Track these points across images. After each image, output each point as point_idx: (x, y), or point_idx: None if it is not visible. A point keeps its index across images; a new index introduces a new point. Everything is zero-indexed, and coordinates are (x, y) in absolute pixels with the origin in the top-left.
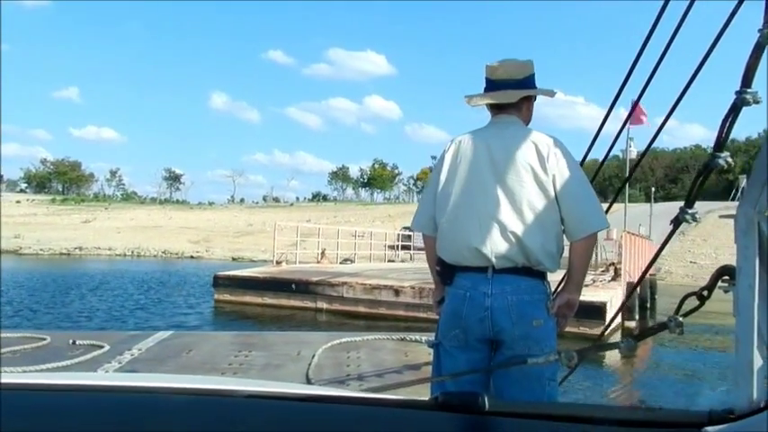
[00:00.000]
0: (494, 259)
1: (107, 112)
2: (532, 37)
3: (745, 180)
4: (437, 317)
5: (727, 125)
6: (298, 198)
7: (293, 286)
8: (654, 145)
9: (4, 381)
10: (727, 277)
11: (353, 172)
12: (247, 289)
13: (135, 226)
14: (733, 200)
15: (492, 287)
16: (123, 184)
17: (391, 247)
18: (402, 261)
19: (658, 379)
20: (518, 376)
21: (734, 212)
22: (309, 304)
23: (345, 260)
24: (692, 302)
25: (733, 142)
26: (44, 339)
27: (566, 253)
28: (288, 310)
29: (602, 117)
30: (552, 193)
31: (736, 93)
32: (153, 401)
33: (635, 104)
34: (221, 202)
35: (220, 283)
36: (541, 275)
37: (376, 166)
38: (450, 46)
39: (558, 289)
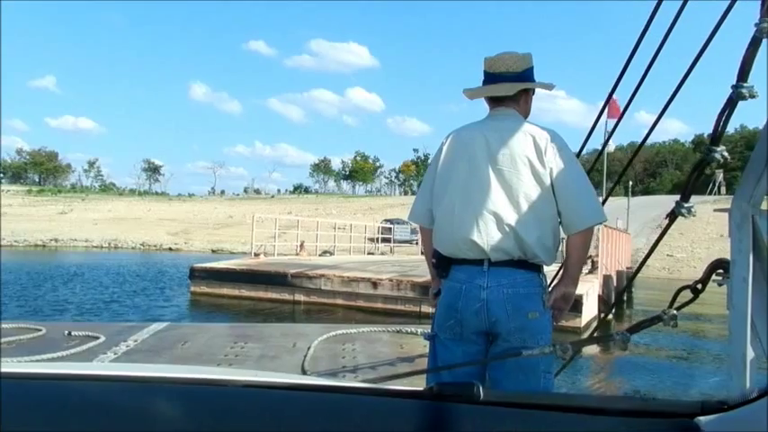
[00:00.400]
0: (490, 252)
1: (85, 101)
2: (515, 31)
3: (721, 175)
4: (433, 309)
5: (723, 119)
6: (279, 190)
7: (277, 278)
8: (632, 139)
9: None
10: (721, 270)
11: (335, 164)
12: (224, 281)
13: (113, 217)
14: (710, 194)
15: (488, 280)
16: (101, 176)
17: (371, 240)
18: (382, 254)
19: (652, 369)
20: (513, 369)
21: (722, 206)
22: (287, 297)
23: (324, 252)
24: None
25: (709, 137)
26: (39, 330)
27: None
28: (265, 303)
29: (587, 111)
30: (549, 187)
31: (733, 87)
32: (149, 391)
33: (627, 104)
34: (202, 193)
35: (197, 275)
36: (537, 268)
37: (358, 158)
38: (434, 39)
39: (554, 282)
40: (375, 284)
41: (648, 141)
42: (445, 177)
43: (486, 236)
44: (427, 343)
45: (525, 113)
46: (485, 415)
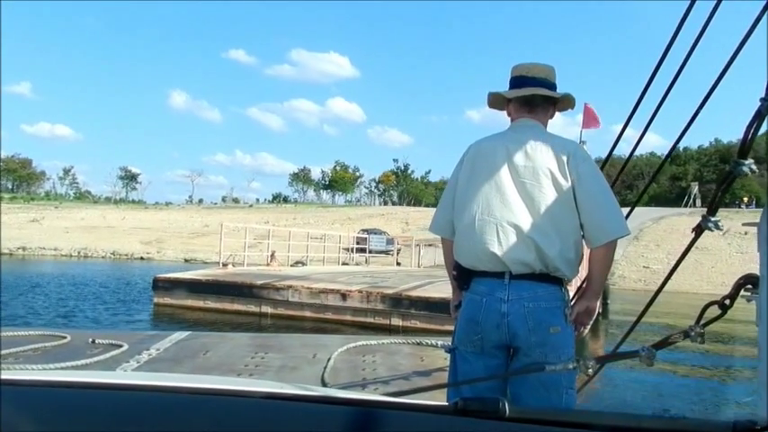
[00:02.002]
0: (511, 265)
1: (62, 108)
2: (498, 40)
3: (696, 187)
4: (453, 322)
5: (752, 132)
6: (258, 199)
7: (244, 290)
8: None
9: (24, 378)
10: (750, 286)
11: (315, 174)
12: (189, 292)
13: (85, 226)
14: (685, 206)
15: (509, 293)
16: (77, 183)
17: (347, 250)
18: (357, 264)
19: (682, 387)
20: (535, 384)
21: (697, 219)
22: (253, 309)
23: (297, 263)
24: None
25: (685, 150)
26: (64, 338)
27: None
28: (231, 315)
29: (564, 123)
30: (572, 199)
31: (762, 100)
32: (171, 401)
33: (652, 116)
34: (179, 202)
35: (160, 285)
36: (559, 282)
37: (338, 168)
38: (414, 50)
39: (576, 296)
40: (344, 296)
41: (626, 154)
42: (467, 189)
43: (508, 248)
44: (448, 356)
45: (546, 125)
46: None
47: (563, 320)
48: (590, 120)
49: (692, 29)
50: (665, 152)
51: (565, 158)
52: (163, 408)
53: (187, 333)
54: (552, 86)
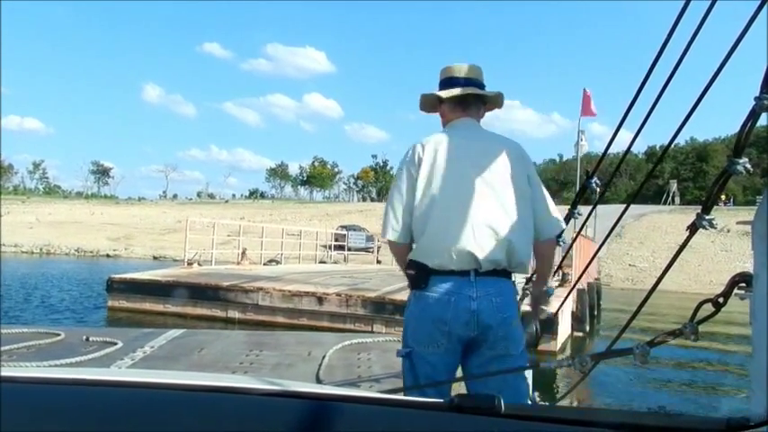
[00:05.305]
0: (483, 263)
1: (32, 101)
2: (471, 37)
3: (675, 185)
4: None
5: (746, 131)
6: (234, 195)
7: (208, 292)
8: (589, 150)
9: (18, 375)
10: (743, 284)
11: (293, 169)
12: (147, 294)
13: (52, 221)
14: (664, 203)
15: (476, 290)
16: (47, 178)
17: (325, 247)
18: (335, 262)
19: (678, 383)
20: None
21: (679, 216)
22: (219, 313)
23: (270, 261)
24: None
25: (662, 149)
26: (58, 335)
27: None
28: (194, 320)
29: (541, 121)
30: (528, 196)
31: (756, 98)
32: (166, 398)
33: (647, 115)
34: (153, 197)
35: (115, 287)
36: (510, 276)
37: (316, 163)
38: (391, 47)
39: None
40: (321, 300)
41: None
42: (430, 189)
43: (482, 247)
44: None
45: None
46: (506, 428)
47: (518, 313)
48: (587, 108)
49: (687, 29)
50: (641, 150)
51: (520, 157)
52: (158, 405)
53: (182, 330)
54: (482, 86)
